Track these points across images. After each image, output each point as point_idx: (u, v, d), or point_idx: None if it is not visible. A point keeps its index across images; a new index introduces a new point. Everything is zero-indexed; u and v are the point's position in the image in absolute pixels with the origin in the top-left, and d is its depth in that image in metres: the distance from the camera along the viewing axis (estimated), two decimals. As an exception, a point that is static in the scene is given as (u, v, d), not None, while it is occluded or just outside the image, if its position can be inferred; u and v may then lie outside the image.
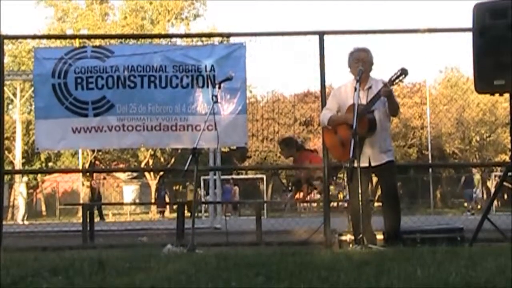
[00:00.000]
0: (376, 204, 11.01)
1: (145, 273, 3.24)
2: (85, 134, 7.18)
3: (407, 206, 25.02)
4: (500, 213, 14.38)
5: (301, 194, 8.70)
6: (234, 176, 30.15)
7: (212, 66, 7.20)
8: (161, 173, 30.57)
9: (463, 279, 2.85)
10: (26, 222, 21.63)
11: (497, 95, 5.97)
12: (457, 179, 33.12)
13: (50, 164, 33.74)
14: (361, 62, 5.71)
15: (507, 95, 5.79)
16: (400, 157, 31.21)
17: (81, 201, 25.56)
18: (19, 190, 24.09)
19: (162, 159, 33.88)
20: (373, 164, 5.69)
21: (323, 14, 53.00)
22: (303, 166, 8.31)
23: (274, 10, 60.49)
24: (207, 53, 7.36)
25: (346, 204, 8.60)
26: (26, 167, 30.61)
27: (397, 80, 5.57)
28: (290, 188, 9.38)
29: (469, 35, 5.78)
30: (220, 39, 12.36)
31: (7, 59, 28.03)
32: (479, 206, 24.10)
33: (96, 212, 24.43)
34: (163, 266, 3.53)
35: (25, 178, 25.42)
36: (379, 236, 5.78)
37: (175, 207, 15.06)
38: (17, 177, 25.15)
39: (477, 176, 25.26)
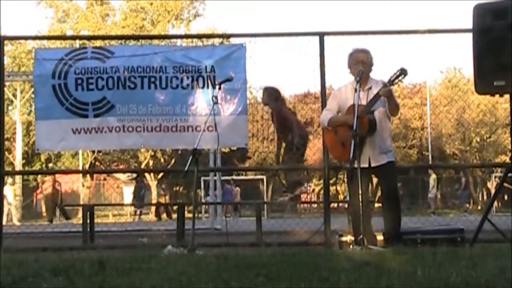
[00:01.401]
0: (376, 204, 11.02)
1: (146, 274, 3.24)
2: (85, 135, 7.18)
3: (407, 207, 25.02)
4: (500, 213, 14.38)
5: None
6: (234, 177, 30.15)
7: (212, 67, 7.20)
8: (134, 173, 29.06)
9: (463, 280, 2.85)
10: (11, 223, 21.57)
11: (497, 96, 5.97)
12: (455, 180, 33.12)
13: (50, 165, 33.73)
14: (361, 63, 5.71)
15: (507, 96, 5.79)
16: (401, 158, 31.19)
17: (82, 202, 25.59)
18: (4, 192, 23.78)
19: (162, 160, 33.88)
20: (373, 164, 5.69)
21: (323, 15, 53.03)
22: (304, 167, 8.29)
23: (274, 10, 60.52)
24: (207, 54, 7.37)
25: (346, 205, 8.59)
26: (26, 168, 30.62)
27: (396, 80, 5.57)
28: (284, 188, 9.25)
29: (469, 36, 5.78)
30: (220, 40, 12.39)
31: (7, 60, 28.05)
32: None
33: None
34: (163, 267, 3.53)
35: (10, 180, 25.17)
36: (379, 237, 5.78)
37: (175, 208, 15.05)
38: (16, 177, 25.15)
39: (433, 176, 24.85)
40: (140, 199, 25.26)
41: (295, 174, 8.36)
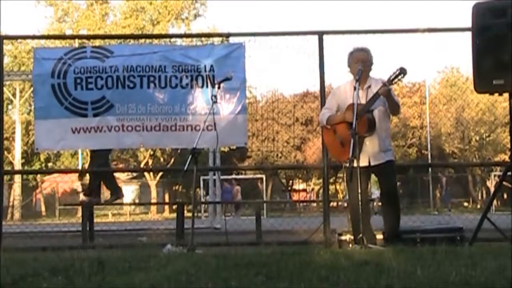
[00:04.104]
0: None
1: (145, 273, 3.24)
2: (84, 134, 7.18)
3: (407, 206, 25.05)
4: (500, 212, 14.38)
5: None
6: (234, 176, 30.18)
7: (212, 66, 7.20)
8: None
9: (462, 279, 2.85)
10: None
11: (496, 94, 5.96)
12: (456, 180, 33.06)
13: (49, 164, 33.74)
14: (360, 61, 5.71)
15: (506, 95, 5.78)
16: (400, 157, 31.22)
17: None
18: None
19: (161, 159, 33.89)
20: (372, 163, 5.69)
21: (323, 14, 53.03)
22: (304, 165, 8.29)
23: (273, 10, 60.53)
24: (206, 53, 7.36)
25: (345, 204, 8.60)
26: (26, 168, 30.61)
27: (396, 80, 5.56)
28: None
29: (469, 34, 5.78)
30: (219, 39, 12.35)
31: (6, 60, 28.04)
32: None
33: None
34: (162, 266, 3.53)
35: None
36: (379, 236, 5.78)
37: (174, 207, 15.05)
38: (16, 177, 25.13)
39: None
40: None
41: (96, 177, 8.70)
